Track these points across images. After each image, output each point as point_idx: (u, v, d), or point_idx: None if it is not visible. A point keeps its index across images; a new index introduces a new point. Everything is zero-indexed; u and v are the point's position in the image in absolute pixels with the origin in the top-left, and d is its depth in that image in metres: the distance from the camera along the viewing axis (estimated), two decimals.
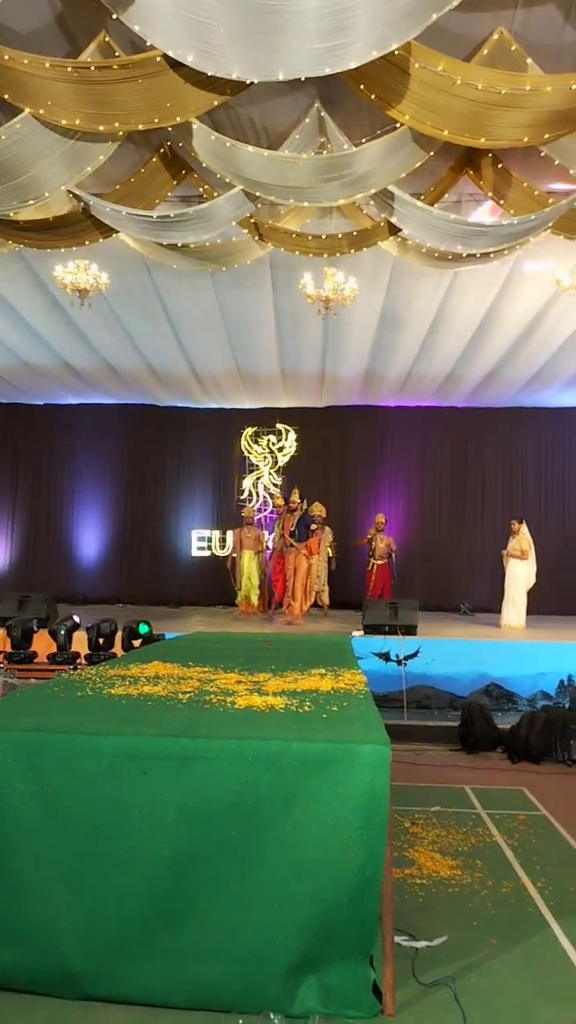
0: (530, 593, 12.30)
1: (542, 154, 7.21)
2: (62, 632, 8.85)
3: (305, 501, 13.72)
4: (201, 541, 15.85)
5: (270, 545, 13.28)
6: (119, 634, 9.42)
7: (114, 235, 8.41)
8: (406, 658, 10.25)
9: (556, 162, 7.17)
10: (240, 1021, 3.23)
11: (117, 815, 3.39)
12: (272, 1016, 3.23)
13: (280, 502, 14.11)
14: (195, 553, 15.83)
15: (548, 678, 10.30)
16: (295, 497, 13.14)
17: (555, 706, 8.89)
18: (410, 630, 10.68)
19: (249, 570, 13.39)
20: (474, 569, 15.35)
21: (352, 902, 3.29)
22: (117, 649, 9.28)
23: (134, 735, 3.55)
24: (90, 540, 16.23)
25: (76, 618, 9.57)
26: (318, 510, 13.74)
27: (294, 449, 15.76)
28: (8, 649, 9.35)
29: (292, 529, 12.71)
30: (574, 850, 5.50)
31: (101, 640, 8.86)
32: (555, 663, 10.32)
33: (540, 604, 13.45)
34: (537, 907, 4.53)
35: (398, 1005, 3.38)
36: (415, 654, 10.31)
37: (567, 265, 8.94)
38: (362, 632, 10.74)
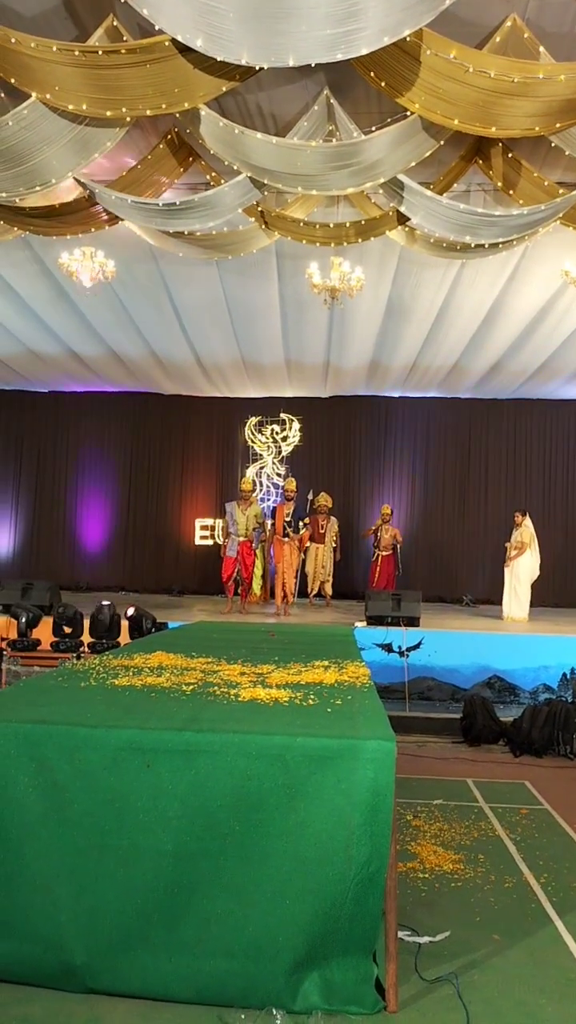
0: (533, 586, 12.27)
1: (552, 144, 7.13)
2: (65, 620, 8.86)
3: (311, 492, 13.64)
4: (204, 530, 15.82)
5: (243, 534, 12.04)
6: (124, 623, 9.44)
7: (120, 222, 8.34)
8: (408, 649, 10.23)
9: (567, 152, 7.09)
10: (242, 1016, 3.22)
11: (120, 808, 3.37)
12: (274, 1012, 3.22)
13: (327, 502, 13.83)
14: (198, 542, 15.80)
15: (551, 671, 10.29)
16: (291, 485, 12.70)
17: (557, 699, 8.86)
18: (413, 622, 10.67)
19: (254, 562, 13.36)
20: (477, 561, 15.33)
21: (355, 898, 3.27)
22: (122, 638, 9.29)
23: (138, 728, 3.52)
24: (93, 528, 16.21)
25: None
26: (324, 500, 13.71)
27: (298, 439, 15.70)
28: (13, 636, 9.36)
29: (288, 519, 12.10)
30: None
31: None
32: (558, 656, 10.30)
33: (543, 596, 13.44)
34: (540, 902, 4.52)
35: (401, 1002, 3.37)
36: (417, 645, 10.30)
37: (575, 257, 8.86)
38: (365, 623, 10.73)
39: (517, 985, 3.61)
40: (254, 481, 15.21)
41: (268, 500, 15.31)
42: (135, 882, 3.32)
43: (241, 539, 11.91)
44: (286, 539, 12.02)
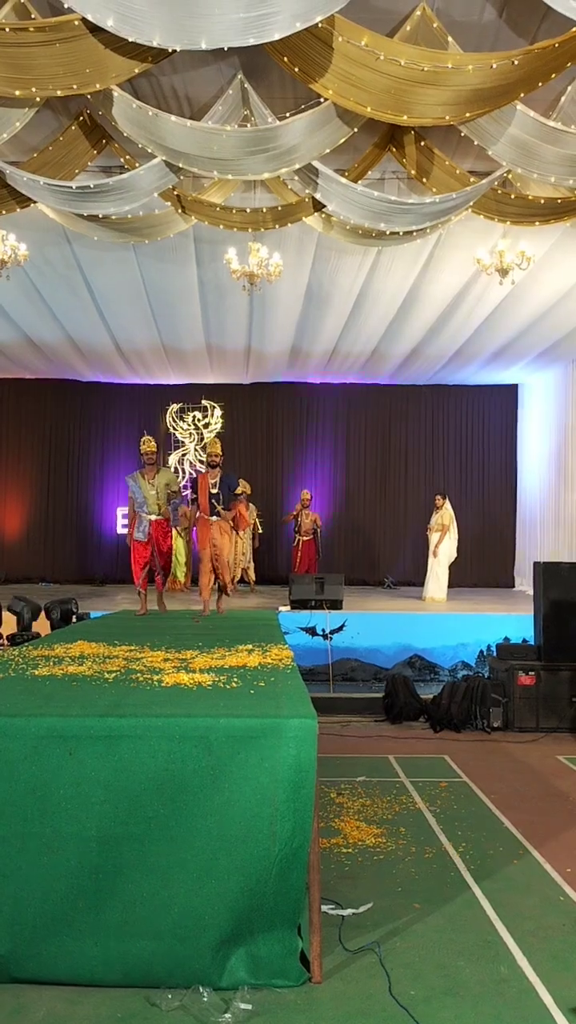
0: (451, 566, 12.58)
1: (462, 134, 7.27)
2: None
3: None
4: (126, 518, 15.64)
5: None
6: (42, 614, 9.31)
7: (32, 205, 8.15)
8: (332, 632, 10.39)
9: (476, 143, 7.23)
10: (169, 996, 3.26)
11: (42, 796, 3.36)
12: (201, 989, 3.27)
13: (246, 488, 13.29)
14: (120, 531, 15.64)
15: (468, 648, 10.60)
16: (215, 448, 9.34)
17: (475, 675, 9.15)
18: (336, 604, 10.82)
19: (176, 546, 13.31)
20: (398, 543, 15.62)
21: (280, 874, 3.34)
22: (41, 628, 9.16)
23: (59, 716, 3.51)
24: (11, 518, 15.88)
25: None
26: (243, 487, 13.73)
27: (220, 425, 15.68)
28: None
29: (214, 491, 8.98)
30: (493, 815, 5.70)
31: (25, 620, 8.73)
32: (475, 634, 10.62)
33: (461, 577, 13.80)
34: (459, 871, 4.69)
35: (325, 972, 3.47)
36: (341, 628, 10.47)
37: (487, 245, 9.06)
38: (289, 607, 10.83)
39: (437, 949, 3.75)
40: (184, 454, 14.93)
41: (190, 488, 15.22)
42: (59, 869, 3.31)
43: (153, 517, 8.95)
44: (214, 518, 8.91)
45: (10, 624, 9.31)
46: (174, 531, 11.96)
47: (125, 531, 14.05)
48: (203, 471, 10.21)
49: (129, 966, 3.33)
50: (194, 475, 15.26)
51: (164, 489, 9.06)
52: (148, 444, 9.20)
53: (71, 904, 3.32)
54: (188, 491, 14.62)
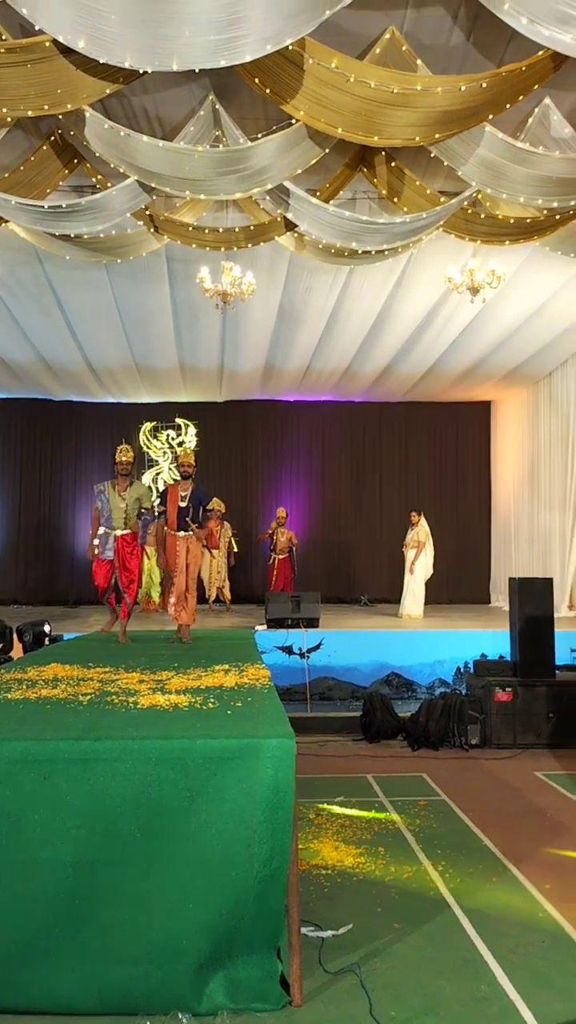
0: (428, 583, 12.61)
1: (432, 155, 7.37)
2: None
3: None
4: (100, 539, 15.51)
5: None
6: (15, 636, 9.21)
7: (3, 224, 8.13)
8: (309, 651, 10.35)
9: (445, 163, 7.34)
10: (147, 1022, 3.20)
11: (16, 822, 3.30)
12: (180, 1015, 3.22)
13: (220, 507, 13.44)
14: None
15: (446, 665, 10.60)
16: (189, 459, 8.57)
17: (452, 692, 9.14)
18: (312, 623, 10.79)
19: (150, 566, 13.23)
20: (373, 560, 15.63)
21: (258, 896, 3.30)
22: (15, 652, 9.05)
23: (33, 739, 3.46)
24: None
25: None
26: (217, 505, 13.70)
27: (194, 444, 15.65)
28: None
29: (184, 504, 8.11)
30: (472, 832, 5.68)
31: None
32: (452, 651, 10.62)
33: (437, 594, 13.83)
34: (438, 890, 4.67)
35: (305, 995, 3.42)
36: (318, 646, 10.43)
37: (458, 264, 9.16)
38: (265, 626, 10.78)
39: (417, 969, 3.72)
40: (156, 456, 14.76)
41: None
42: (35, 895, 3.25)
43: (118, 533, 8.03)
44: (183, 533, 8.08)
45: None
46: (147, 551, 11.78)
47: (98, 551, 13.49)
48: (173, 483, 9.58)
49: (107, 993, 3.27)
50: None
51: (135, 504, 8.16)
52: (124, 453, 8.24)
53: (47, 931, 3.25)
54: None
